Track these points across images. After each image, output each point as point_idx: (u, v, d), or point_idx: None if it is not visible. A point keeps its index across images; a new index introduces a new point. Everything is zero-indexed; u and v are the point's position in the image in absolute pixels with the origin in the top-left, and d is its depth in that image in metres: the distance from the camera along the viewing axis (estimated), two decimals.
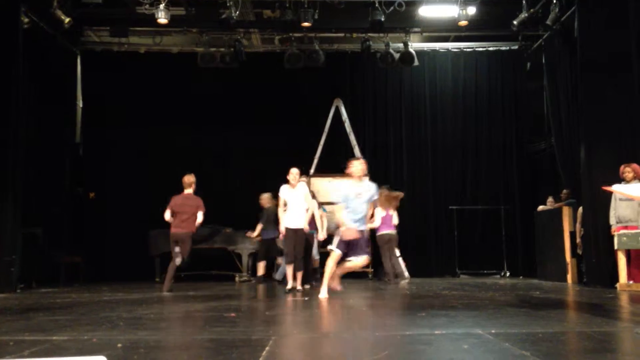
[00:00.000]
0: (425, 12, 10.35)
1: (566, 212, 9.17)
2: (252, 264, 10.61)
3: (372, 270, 10.90)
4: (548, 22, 9.67)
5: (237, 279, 10.37)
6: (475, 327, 3.97)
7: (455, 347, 3.16)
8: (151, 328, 4.13)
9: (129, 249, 10.80)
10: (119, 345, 3.32)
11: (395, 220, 9.58)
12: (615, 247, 7.47)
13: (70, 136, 11.12)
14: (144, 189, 11.26)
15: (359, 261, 6.31)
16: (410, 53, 11.11)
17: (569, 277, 8.96)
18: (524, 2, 9.73)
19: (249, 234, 9.75)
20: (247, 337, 3.69)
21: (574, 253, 9.06)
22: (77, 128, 11.55)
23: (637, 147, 7.72)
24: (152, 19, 9.50)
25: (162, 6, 9.25)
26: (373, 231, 9.25)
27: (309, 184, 10.05)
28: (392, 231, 9.54)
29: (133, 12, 10.04)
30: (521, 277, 11.01)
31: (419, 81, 12.14)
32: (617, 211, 7.57)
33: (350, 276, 10.75)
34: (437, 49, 12.09)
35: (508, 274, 11.15)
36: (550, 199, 10.31)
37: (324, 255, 9.97)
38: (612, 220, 7.64)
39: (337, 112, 11.83)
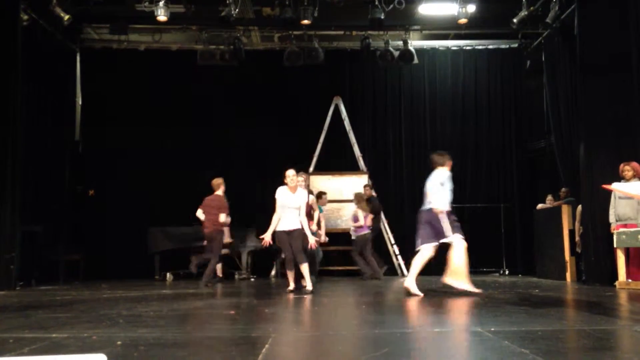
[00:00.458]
0: (425, 10, 10.34)
1: (565, 210, 9.18)
2: (251, 262, 10.62)
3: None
4: (548, 20, 9.66)
5: (236, 276, 10.37)
6: (474, 325, 3.98)
7: (454, 345, 3.17)
8: (151, 325, 4.14)
9: (129, 247, 10.80)
10: (119, 342, 3.33)
11: (368, 221, 9.95)
12: (615, 246, 7.48)
13: (69, 134, 11.10)
14: (144, 187, 11.27)
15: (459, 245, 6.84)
16: (409, 51, 11.10)
17: (568, 275, 8.97)
18: (523, 0, 9.72)
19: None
20: (247, 335, 3.69)
21: (573, 251, 9.07)
22: (77, 126, 11.53)
23: (637, 145, 7.72)
24: (151, 17, 9.48)
25: (161, 3, 9.23)
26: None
27: (307, 180, 10.05)
28: (368, 232, 9.97)
29: (132, 9, 10.02)
30: (520, 275, 11.01)
31: (418, 79, 12.13)
32: (617, 209, 7.58)
33: (351, 274, 10.78)
34: (437, 47, 12.08)
35: (507, 272, 11.15)
36: (549, 198, 10.32)
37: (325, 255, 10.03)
38: (612, 219, 7.65)
39: (337, 110, 11.83)
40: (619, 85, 8.06)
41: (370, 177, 11.39)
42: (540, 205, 10.38)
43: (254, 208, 10.89)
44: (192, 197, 10.11)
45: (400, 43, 11.16)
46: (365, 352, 3.10)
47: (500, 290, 7.23)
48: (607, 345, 3.20)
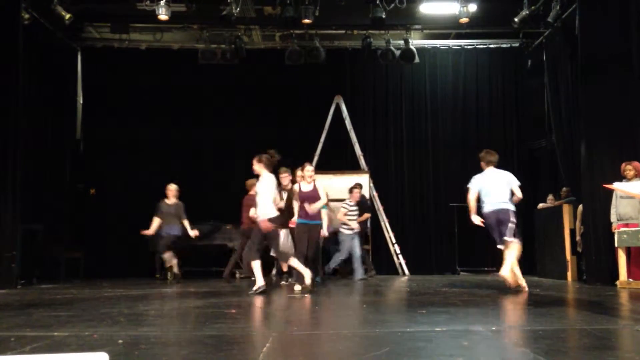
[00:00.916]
0: (426, 9, 10.32)
1: (566, 209, 9.17)
2: None
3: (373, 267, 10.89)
4: (549, 19, 9.65)
5: (237, 275, 10.37)
6: (475, 324, 3.98)
7: (455, 344, 3.17)
8: (152, 324, 4.14)
9: (130, 245, 10.80)
10: (120, 341, 3.33)
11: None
12: (616, 245, 7.48)
13: (70, 132, 11.11)
14: (144, 185, 11.26)
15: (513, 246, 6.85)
16: (411, 50, 11.09)
17: (569, 274, 8.97)
18: None
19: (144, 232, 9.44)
20: (248, 334, 3.70)
21: (574, 251, 9.07)
22: (78, 124, 11.53)
23: (638, 144, 7.72)
24: (152, 16, 9.47)
25: (162, 2, 9.23)
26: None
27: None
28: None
29: (134, 8, 10.01)
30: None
31: (419, 78, 12.12)
32: (618, 209, 7.58)
33: (351, 273, 10.76)
34: (438, 46, 12.06)
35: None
36: (550, 197, 10.31)
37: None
38: (613, 218, 7.65)
39: (338, 109, 11.82)
40: (620, 85, 8.05)
41: (371, 176, 11.39)
42: (541, 205, 10.38)
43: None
44: (192, 195, 10.12)
45: (402, 42, 11.15)
46: (366, 351, 3.10)
47: (501, 290, 7.22)
48: (608, 345, 3.21)
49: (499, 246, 7.07)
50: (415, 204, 11.75)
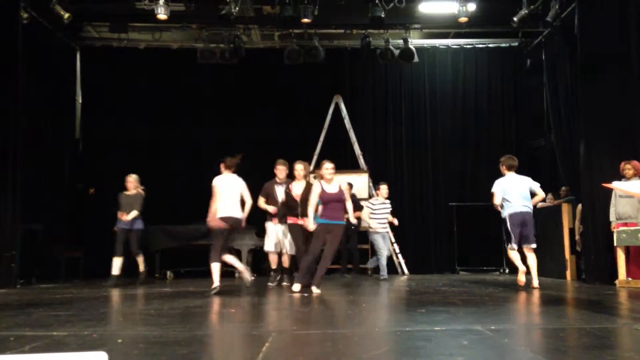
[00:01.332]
0: (425, 8, 10.33)
1: (565, 209, 9.18)
2: (251, 260, 10.61)
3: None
4: (548, 18, 9.65)
5: (236, 274, 10.36)
6: (474, 324, 3.98)
7: (455, 343, 3.17)
8: (151, 324, 4.14)
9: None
10: (120, 340, 3.33)
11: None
12: (615, 244, 7.49)
13: (69, 132, 11.10)
14: (144, 185, 11.24)
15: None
16: (410, 49, 11.09)
17: (568, 273, 8.98)
18: None
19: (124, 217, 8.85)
20: (247, 333, 3.70)
21: (573, 250, 9.07)
22: (77, 124, 11.53)
23: (637, 144, 7.72)
24: (151, 15, 9.46)
25: (161, 2, 9.22)
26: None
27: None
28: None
29: (132, 7, 10.01)
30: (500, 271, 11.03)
31: (418, 78, 12.12)
32: (617, 208, 7.58)
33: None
34: (437, 45, 12.07)
35: (507, 270, 11.15)
36: (549, 196, 10.31)
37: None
38: (612, 217, 7.65)
39: (337, 109, 11.82)
40: (619, 84, 8.06)
41: (370, 176, 11.39)
42: (540, 204, 10.37)
43: (254, 206, 10.87)
44: (192, 195, 10.13)
45: (401, 41, 11.15)
46: (366, 350, 3.11)
47: (500, 289, 7.23)
48: (608, 344, 3.21)
49: (513, 246, 7.26)
50: (415, 204, 11.76)
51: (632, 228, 7.27)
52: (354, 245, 10.04)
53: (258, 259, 10.69)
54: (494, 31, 11.57)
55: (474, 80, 12.12)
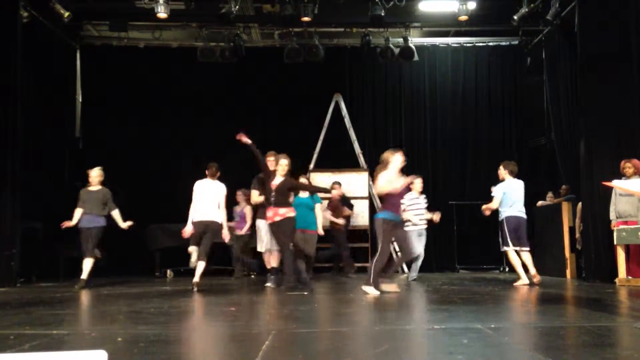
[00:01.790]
0: (425, 7, 10.33)
1: (565, 207, 9.18)
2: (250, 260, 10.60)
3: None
4: (548, 17, 9.65)
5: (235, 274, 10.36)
6: (474, 322, 3.98)
7: (454, 342, 3.17)
8: (151, 322, 4.14)
9: (129, 244, 10.79)
10: (119, 339, 3.33)
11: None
12: (615, 243, 7.49)
13: (69, 130, 11.10)
14: (144, 183, 11.26)
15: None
16: (410, 48, 11.08)
17: (568, 272, 8.98)
18: None
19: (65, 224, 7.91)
20: (247, 331, 3.69)
21: (573, 248, 9.08)
22: (77, 122, 11.52)
23: (637, 142, 7.71)
24: (151, 13, 9.46)
25: (161, 0, 9.22)
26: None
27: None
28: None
29: (132, 6, 10.01)
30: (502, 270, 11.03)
31: (418, 76, 12.11)
32: (617, 206, 7.58)
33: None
34: (437, 44, 12.06)
35: (507, 269, 11.14)
36: (549, 195, 10.31)
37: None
38: (612, 215, 7.65)
39: (337, 107, 11.82)
40: (620, 82, 8.05)
41: (370, 174, 11.38)
42: (540, 203, 10.38)
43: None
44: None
45: (401, 40, 11.14)
46: (366, 348, 3.11)
47: (500, 287, 7.24)
48: (608, 342, 3.21)
49: (510, 248, 7.67)
50: None
51: (632, 226, 7.27)
52: (344, 245, 10.05)
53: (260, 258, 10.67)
54: (494, 29, 11.56)
55: (474, 78, 12.10)
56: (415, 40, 11.53)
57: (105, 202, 8.02)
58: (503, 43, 12.00)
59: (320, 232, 8.11)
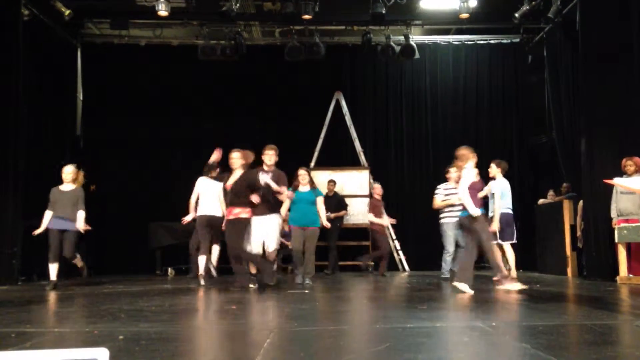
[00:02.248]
0: (426, 4, 10.31)
1: (567, 205, 9.18)
2: None
3: (373, 263, 10.90)
4: (550, 14, 9.64)
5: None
6: (475, 320, 3.98)
7: (455, 340, 3.17)
8: (152, 320, 4.14)
9: (130, 242, 10.82)
10: (121, 337, 3.33)
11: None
12: (616, 241, 7.48)
13: (70, 129, 11.10)
14: (145, 182, 11.27)
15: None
16: (411, 46, 11.07)
17: (569, 270, 8.98)
18: None
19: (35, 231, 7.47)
20: (248, 329, 3.70)
21: (574, 246, 9.07)
22: (78, 121, 11.52)
23: (639, 140, 7.70)
24: (152, 11, 9.47)
25: None
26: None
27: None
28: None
29: (133, 4, 10.02)
30: (521, 270, 10.99)
31: (419, 74, 12.10)
32: (618, 204, 7.58)
33: (352, 269, 10.79)
34: (438, 41, 12.05)
35: (509, 267, 11.14)
36: (550, 193, 10.31)
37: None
38: (613, 213, 7.65)
39: (338, 105, 11.81)
40: (621, 80, 8.04)
41: (371, 172, 11.39)
42: (541, 201, 10.38)
43: None
44: (192, 191, 10.09)
45: (402, 38, 11.13)
46: (367, 346, 3.11)
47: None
48: (609, 340, 3.21)
49: (503, 243, 7.89)
50: (416, 200, 11.74)
51: (634, 224, 7.27)
52: (334, 243, 10.08)
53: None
54: (495, 27, 11.55)
55: (475, 76, 12.09)
56: (417, 38, 11.53)
57: (76, 203, 7.46)
58: (504, 41, 11.99)
59: (326, 224, 7.65)
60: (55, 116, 10.39)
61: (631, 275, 7.35)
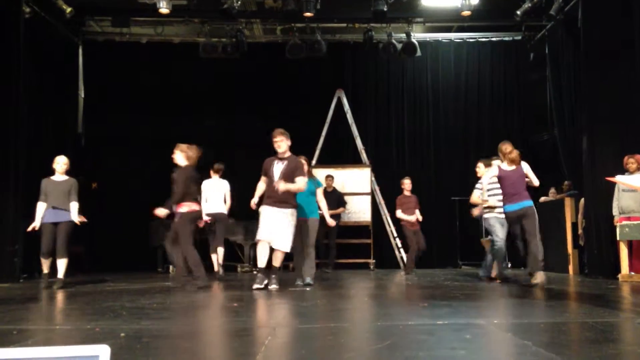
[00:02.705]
0: (428, 2, 10.30)
1: (568, 203, 9.17)
2: (253, 255, 10.61)
3: (374, 260, 10.92)
4: (552, 12, 9.62)
5: (239, 269, 10.39)
6: (477, 318, 3.98)
7: (457, 337, 3.17)
8: (154, 318, 4.14)
9: (131, 239, 10.82)
10: (122, 334, 3.33)
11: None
12: (618, 238, 7.47)
13: (72, 126, 11.11)
14: (146, 179, 11.27)
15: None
16: (412, 43, 11.06)
17: (571, 268, 8.97)
18: None
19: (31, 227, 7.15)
20: (249, 327, 3.70)
21: (575, 244, 9.07)
22: (79, 118, 11.54)
23: None
24: (153, 9, 9.45)
25: None
26: None
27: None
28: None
29: (135, 2, 9.98)
30: (522, 268, 11.00)
31: (421, 72, 12.10)
32: (620, 202, 7.57)
33: (352, 267, 10.79)
34: (440, 39, 12.04)
35: (510, 264, 11.14)
36: (552, 190, 10.30)
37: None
38: (615, 211, 7.64)
39: (339, 103, 11.81)
40: (623, 78, 8.02)
41: (372, 170, 11.39)
42: (543, 198, 10.36)
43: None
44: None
45: (403, 35, 11.12)
46: (369, 344, 3.11)
47: (502, 283, 7.23)
48: (610, 338, 3.20)
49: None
50: (417, 197, 11.74)
51: (635, 222, 7.26)
52: (334, 241, 10.06)
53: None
54: (497, 25, 11.53)
55: (476, 74, 12.09)
56: (418, 35, 11.52)
57: (70, 193, 7.21)
58: (506, 38, 11.97)
59: (330, 221, 7.36)
60: (56, 114, 10.40)
61: (633, 273, 7.34)
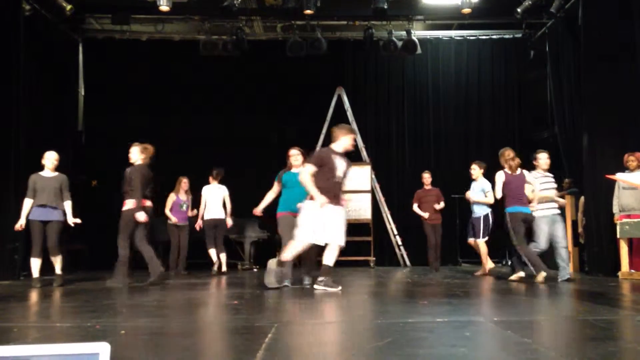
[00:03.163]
0: None
1: (568, 201, 9.16)
2: (254, 252, 10.63)
3: (375, 258, 10.92)
4: (552, 10, 9.61)
5: (239, 267, 10.40)
6: (477, 315, 3.98)
7: (457, 335, 3.17)
8: (154, 315, 4.15)
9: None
10: (122, 331, 3.34)
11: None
12: (618, 236, 7.48)
13: (72, 124, 11.11)
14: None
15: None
16: (413, 41, 11.05)
17: (571, 265, 8.94)
18: None
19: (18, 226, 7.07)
20: (250, 324, 3.70)
21: (576, 242, 9.07)
22: (79, 116, 11.53)
23: None
24: (154, 7, 9.43)
25: None
26: None
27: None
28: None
29: None
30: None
31: (421, 70, 12.09)
32: (621, 200, 7.57)
33: (353, 264, 10.79)
34: (440, 37, 12.02)
35: (510, 262, 11.14)
36: None
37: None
38: (615, 209, 7.64)
39: (339, 101, 11.80)
40: (623, 75, 8.02)
41: (373, 168, 11.38)
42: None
43: (258, 200, 10.87)
44: (193, 188, 10.11)
45: (404, 33, 11.10)
46: (369, 342, 3.11)
47: (502, 281, 7.24)
48: (610, 335, 3.20)
49: (482, 240, 8.64)
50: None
51: (635, 220, 7.26)
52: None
53: (261, 251, 10.71)
54: (498, 22, 11.52)
55: (477, 71, 12.08)
56: (418, 33, 11.51)
57: (61, 191, 6.99)
58: (506, 36, 11.96)
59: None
60: (56, 112, 10.39)
61: (633, 271, 7.35)
